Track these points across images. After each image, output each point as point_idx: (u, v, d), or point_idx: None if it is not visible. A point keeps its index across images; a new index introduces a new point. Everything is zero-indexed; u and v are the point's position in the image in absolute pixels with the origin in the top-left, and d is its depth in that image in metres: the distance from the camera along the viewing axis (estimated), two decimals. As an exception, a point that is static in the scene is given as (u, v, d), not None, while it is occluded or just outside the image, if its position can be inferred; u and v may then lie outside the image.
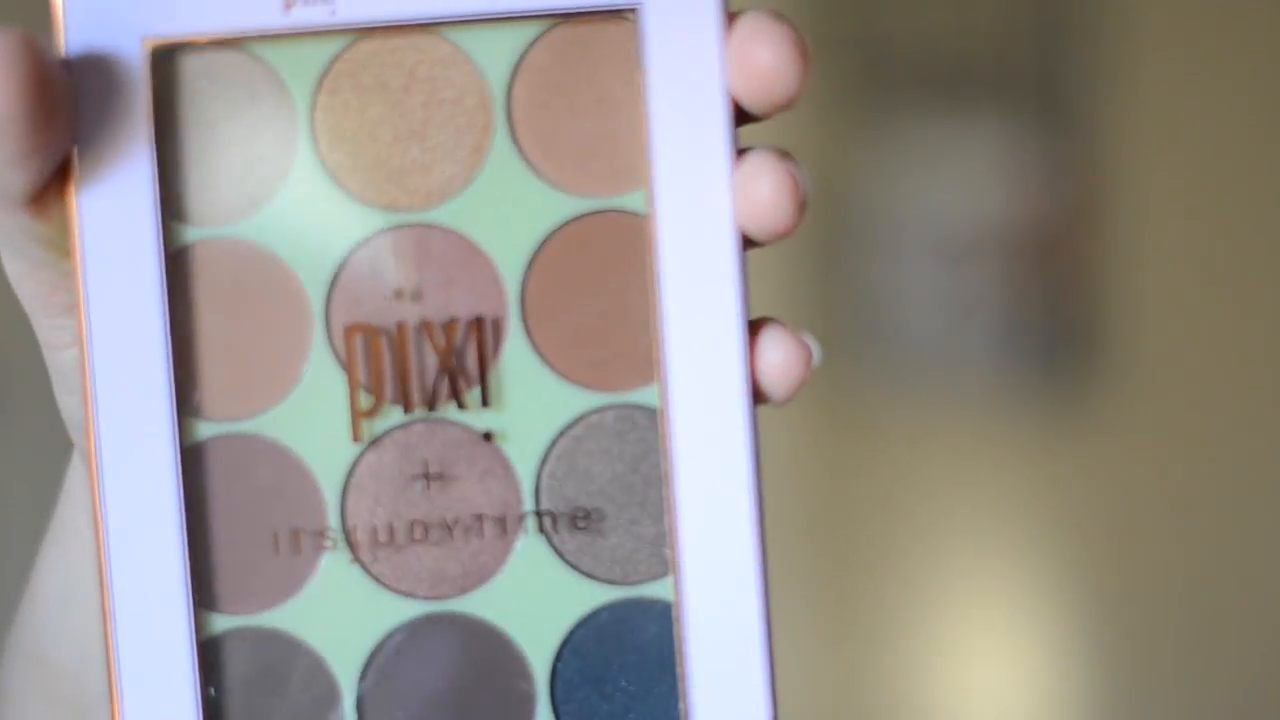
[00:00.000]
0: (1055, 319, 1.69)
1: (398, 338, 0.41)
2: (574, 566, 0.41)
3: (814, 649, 1.68)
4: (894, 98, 1.68)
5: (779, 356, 0.40)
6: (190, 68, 0.41)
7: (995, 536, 1.69)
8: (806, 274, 1.67)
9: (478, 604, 0.41)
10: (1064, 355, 1.68)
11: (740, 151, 0.41)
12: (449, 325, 0.41)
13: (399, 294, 0.41)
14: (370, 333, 0.41)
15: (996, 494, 1.69)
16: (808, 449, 1.69)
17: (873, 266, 1.69)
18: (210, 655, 0.40)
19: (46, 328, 0.42)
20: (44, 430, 1.58)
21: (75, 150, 0.40)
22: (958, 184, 1.68)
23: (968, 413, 1.69)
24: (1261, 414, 1.66)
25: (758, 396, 0.41)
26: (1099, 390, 1.68)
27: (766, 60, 0.39)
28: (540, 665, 0.41)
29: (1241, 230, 1.66)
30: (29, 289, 0.41)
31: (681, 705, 0.40)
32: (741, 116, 0.41)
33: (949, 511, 1.69)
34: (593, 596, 0.41)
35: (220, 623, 0.40)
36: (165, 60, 0.40)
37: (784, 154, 0.40)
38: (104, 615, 0.40)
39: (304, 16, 0.40)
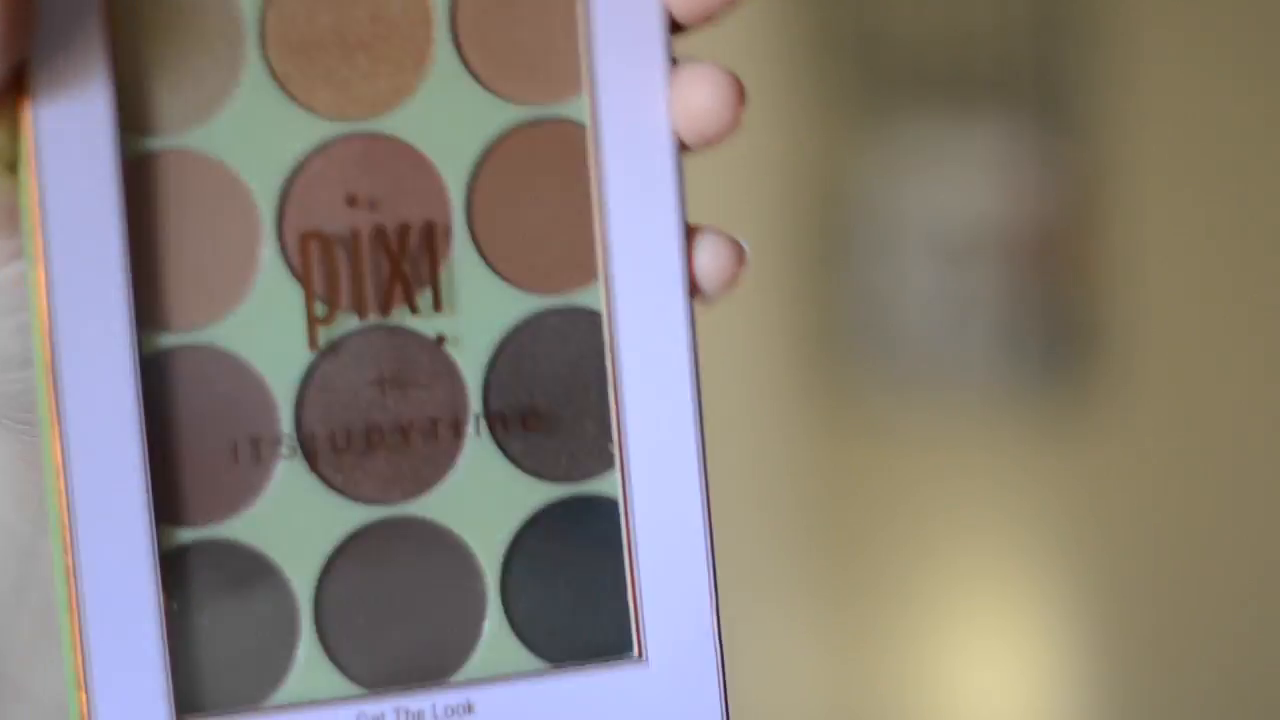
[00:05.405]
0: (1055, 319, 1.69)
1: (353, 245, 0.41)
2: (521, 466, 0.42)
3: (812, 649, 1.68)
4: (894, 98, 1.69)
5: (716, 255, 0.42)
6: None
7: (995, 536, 1.69)
8: (807, 275, 1.67)
9: (429, 506, 0.42)
10: (1063, 355, 1.68)
11: (675, 62, 0.42)
12: (402, 231, 0.42)
13: (352, 201, 0.42)
14: (325, 240, 0.41)
15: (996, 493, 1.69)
16: (806, 448, 1.69)
17: (873, 266, 1.69)
18: (171, 568, 0.41)
19: None
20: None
21: (31, 60, 0.40)
22: (958, 184, 1.69)
23: (967, 412, 1.69)
24: (1261, 414, 1.65)
25: (694, 293, 0.42)
26: (1099, 390, 1.68)
27: None
28: (490, 564, 0.41)
29: (1241, 230, 1.66)
30: None
31: (630, 599, 0.40)
32: (678, 28, 0.42)
33: (949, 511, 1.69)
34: (540, 494, 0.42)
35: (180, 535, 0.41)
36: None
37: (718, 65, 0.42)
38: (63, 530, 0.40)
39: None
